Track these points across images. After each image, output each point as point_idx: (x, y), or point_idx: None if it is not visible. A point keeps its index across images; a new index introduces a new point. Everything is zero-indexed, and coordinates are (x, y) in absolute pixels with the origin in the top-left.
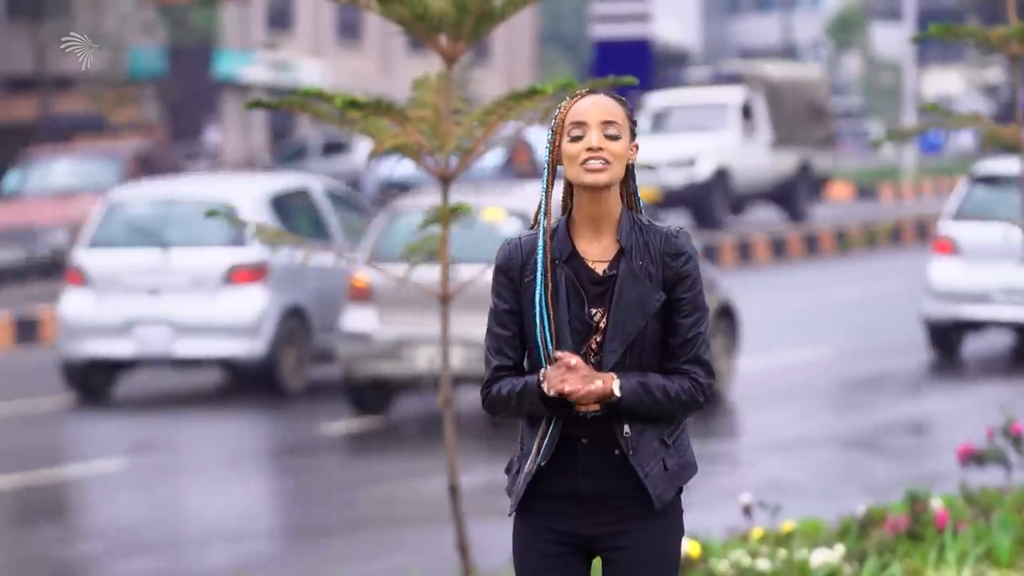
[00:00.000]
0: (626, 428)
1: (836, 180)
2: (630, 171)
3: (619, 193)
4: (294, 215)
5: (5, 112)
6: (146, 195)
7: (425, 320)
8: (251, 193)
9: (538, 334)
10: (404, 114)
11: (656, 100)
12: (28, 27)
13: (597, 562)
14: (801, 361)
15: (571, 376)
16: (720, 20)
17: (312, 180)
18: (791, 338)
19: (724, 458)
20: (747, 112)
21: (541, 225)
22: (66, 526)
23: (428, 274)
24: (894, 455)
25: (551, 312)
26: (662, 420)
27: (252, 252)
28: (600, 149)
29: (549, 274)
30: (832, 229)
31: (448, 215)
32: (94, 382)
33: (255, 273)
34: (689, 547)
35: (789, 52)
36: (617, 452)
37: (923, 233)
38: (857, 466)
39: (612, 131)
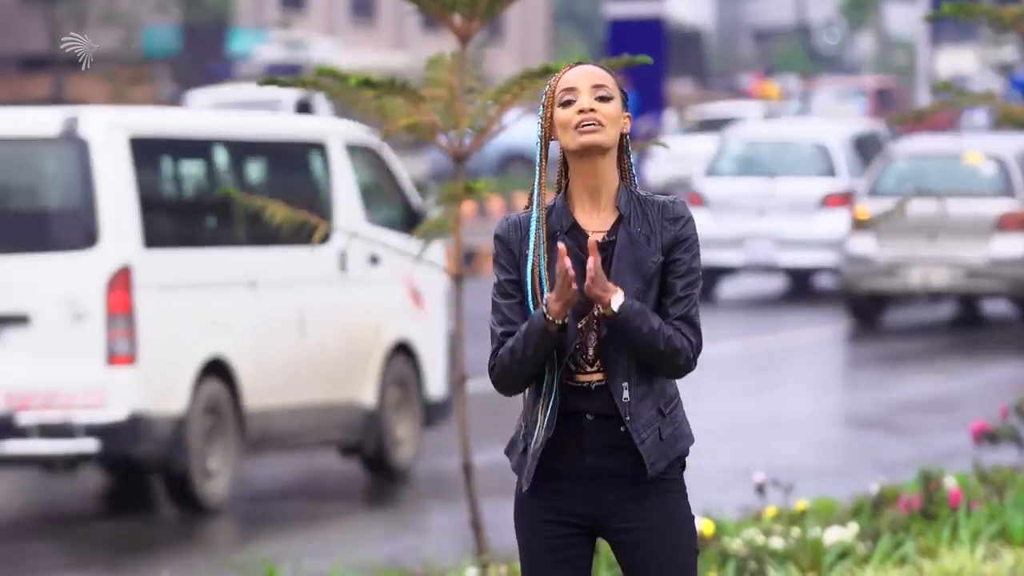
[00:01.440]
0: (625, 393)
1: None
2: (625, 145)
3: (615, 165)
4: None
5: (19, 91)
6: (755, 133)
7: (916, 244)
8: (838, 134)
9: (532, 307)
10: (418, 94)
11: (199, 98)
12: (42, 6)
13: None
14: (816, 339)
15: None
16: None
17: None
18: (803, 317)
19: (738, 437)
20: (306, 110)
21: (535, 200)
22: None
23: (921, 207)
24: (907, 434)
25: (547, 284)
26: (653, 361)
27: (841, 182)
28: (592, 111)
29: (545, 246)
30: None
31: (461, 194)
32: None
33: (842, 199)
34: (703, 526)
35: (803, 31)
36: (622, 428)
37: None
38: (870, 445)
39: (603, 93)
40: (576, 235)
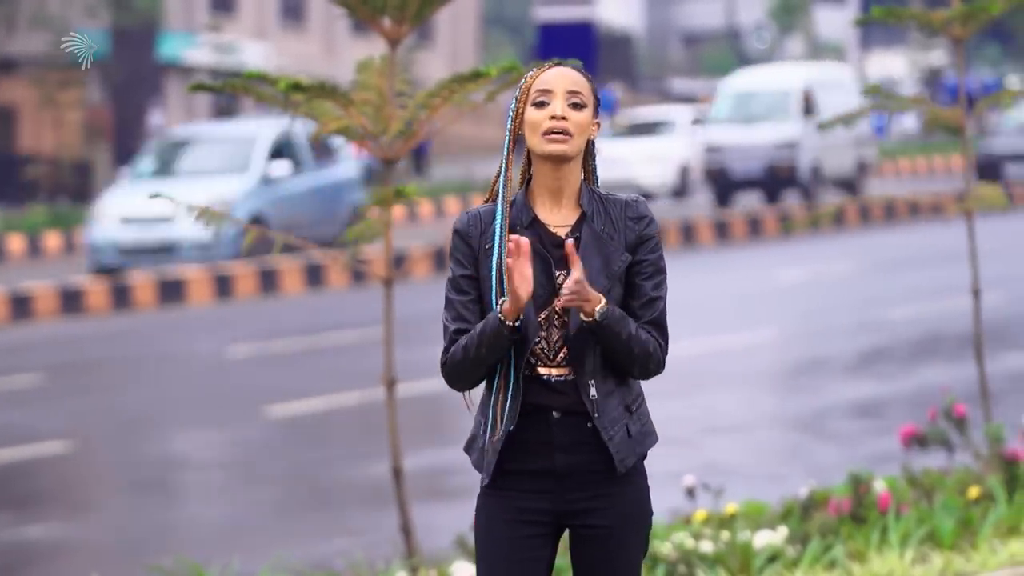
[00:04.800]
0: (592, 391)
1: None
2: (590, 148)
3: (579, 167)
4: None
5: None
6: None
7: None
8: None
9: (493, 299)
10: (348, 97)
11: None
12: None
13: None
14: (745, 344)
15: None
16: (663, 3)
17: None
18: (735, 321)
19: (668, 441)
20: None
21: (500, 192)
22: None
23: None
24: (837, 437)
25: (508, 276)
26: (626, 366)
27: None
28: (564, 118)
29: (508, 239)
30: (776, 212)
31: (391, 198)
32: None
33: None
34: None
35: (732, 35)
36: (589, 424)
37: (866, 216)
38: (800, 449)
39: (577, 100)
40: (537, 229)
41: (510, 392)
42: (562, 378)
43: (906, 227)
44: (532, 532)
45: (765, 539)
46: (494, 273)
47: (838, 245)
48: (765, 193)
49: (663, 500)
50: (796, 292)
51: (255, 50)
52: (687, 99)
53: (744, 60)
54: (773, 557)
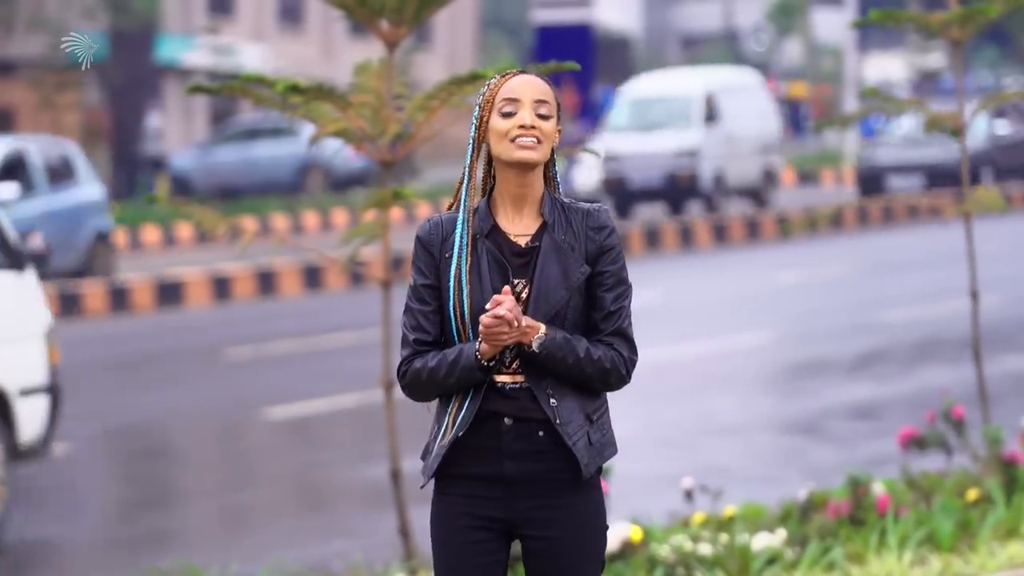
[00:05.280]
0: (552, 399)
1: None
2: (551, 155)
3: (542, 175)
4: None
5: None
6: None
7: None
8: None
9: (452, 308)
10: (346, 99)
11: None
12: None
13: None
14: (743, 346)
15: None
16: (662, 5)
17: None
18: (733, 323)
19: (666, 443)
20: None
21: (463, 201)
22: None
23: None
24: (835, 440)
25: (468, 287)
26: (583, 384)
27: None
28: (533, 127)
29: (469, 249)
30: (773, 214)
31: (389, 200)
32: None
33: None
34: (630, 532)
35: (731, 37)
36: (542, 433)
37: (864, 218)
38: (799, 451)
39: (544, 110)
40: (496, 238)
41: (468, 400)
42: (516, 385)
43: (904, 229)
44: (485, 536)
45: (764, 541)
46: (452, 283)
47: (836, 247)
48: (667, 203)
49: (661, 502)
50: (794, 294)
51: (253, 52)
52: None
53: (742, 62)
54: (772, 559)
